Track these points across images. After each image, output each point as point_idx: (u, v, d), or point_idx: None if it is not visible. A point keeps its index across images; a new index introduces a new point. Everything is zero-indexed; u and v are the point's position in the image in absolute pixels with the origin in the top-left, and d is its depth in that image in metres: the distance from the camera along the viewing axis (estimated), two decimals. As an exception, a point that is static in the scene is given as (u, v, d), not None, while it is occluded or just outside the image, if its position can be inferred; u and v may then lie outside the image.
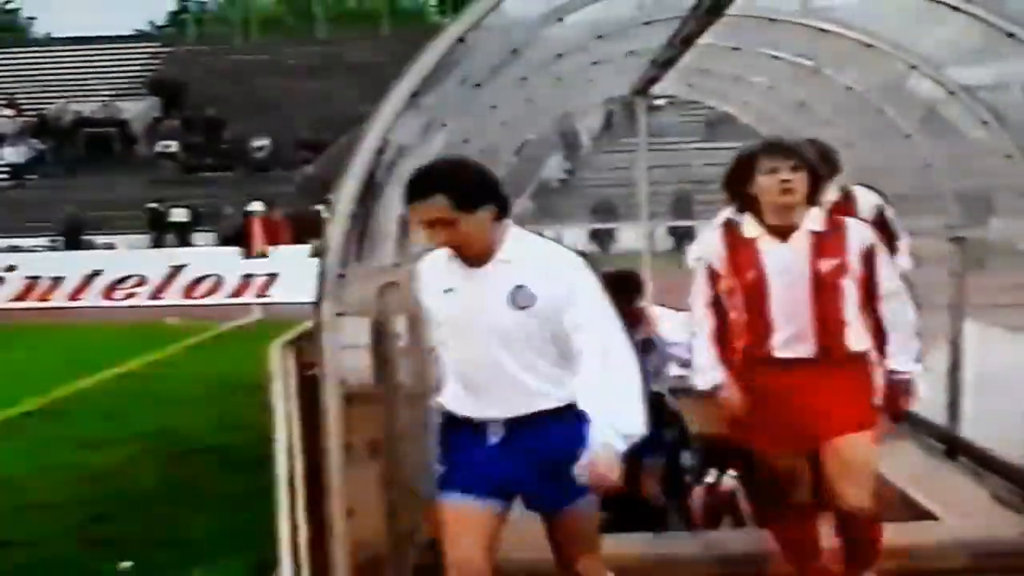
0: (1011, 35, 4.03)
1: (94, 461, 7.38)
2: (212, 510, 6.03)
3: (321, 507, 3.11)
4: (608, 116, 22.62)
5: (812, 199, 3.45)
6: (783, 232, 3.43)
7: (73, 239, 22.12)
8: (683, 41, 4.86)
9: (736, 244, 3.51)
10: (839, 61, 5.39)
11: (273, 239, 17.93)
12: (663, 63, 5.50)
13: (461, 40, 3.00)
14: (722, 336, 3.57)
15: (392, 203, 3.92)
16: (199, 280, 18.82)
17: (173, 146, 26.67)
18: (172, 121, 27.82)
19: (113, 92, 29.12)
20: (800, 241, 3.42)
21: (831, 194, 4.19)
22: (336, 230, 3.07)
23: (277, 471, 3.02)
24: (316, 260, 3.19)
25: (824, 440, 3.41)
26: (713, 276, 3.57)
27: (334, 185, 3.13)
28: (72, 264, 19.53)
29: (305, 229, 15.31)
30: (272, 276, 17.70)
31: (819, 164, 3.58)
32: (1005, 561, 4.05)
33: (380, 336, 3.85)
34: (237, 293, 18.21)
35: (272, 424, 3.03)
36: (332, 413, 3.10)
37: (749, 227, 3.50)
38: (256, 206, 19.55)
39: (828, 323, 3.39)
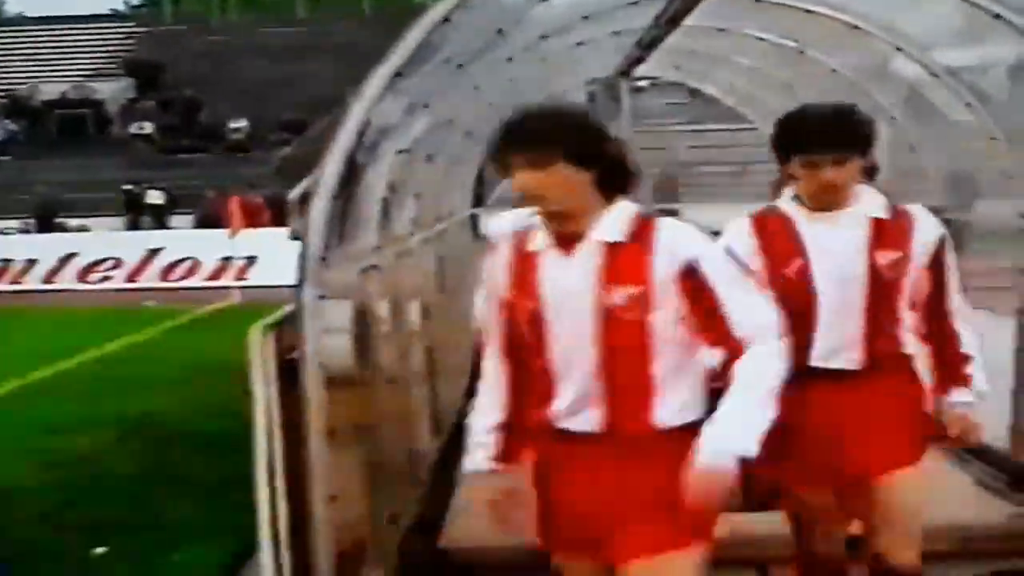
0: (997, 16, 4.04)
1: (69, 446, 7.34)
2: (191, 495, 6.00)
3: (302, 492, 3.11)
4: (590, 97, 22.60)
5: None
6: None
7: (46, 222, 21.93)
8: (668, 21, 4.86)
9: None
10: (825, 43, 5.40)
11: (252, 221, 17.83)
12: (648, 44, 5.50)
13: (446, 20, 2.98)
14: None
15: (374, 185, 3.92)
16: (176, 263, 18.71)
17: (148, 127, 26.46)
18: (148, 102, 27.60)
19: (87, 72, 28.86)
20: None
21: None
22: (317, 212, 3.05)
23: (257, 456, 3.01)
24: (296, 243, 3.17)
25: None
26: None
27: (314, 167, 3.11)
28: (46, 247, 19.37)
29: (284, 212, 15.20)
30: (251, 259, 17.60)
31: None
32: (988, 546, 4.09)
33: (362, 320, 3.84)
34: (215, 276, 18.11)
35: (252, 408, 3.02)
36: (313, 397, 3.10)
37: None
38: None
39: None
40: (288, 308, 3.22)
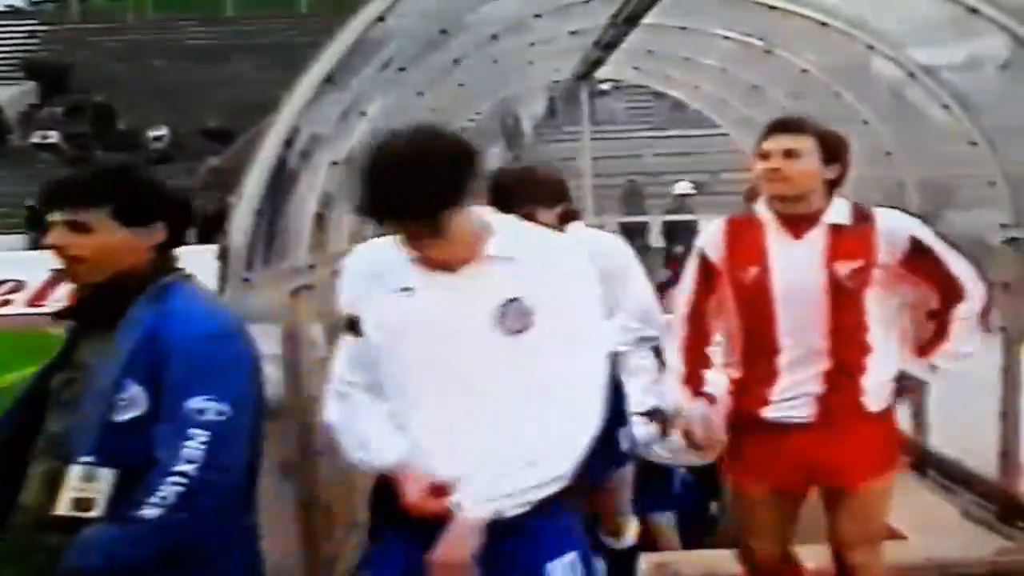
0: (974, 11, 4.18)
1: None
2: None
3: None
4: (551, 102, 22.74)
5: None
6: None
7: (-63, 241, 21.59)
8: (627, 20, 4.96)
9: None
10: (794, 41, 5.54)
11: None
12: (607, 44, 5.61)
13: (381, 19, 3.05)
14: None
15: (306, 199, 3.96)
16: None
17: (54, 136, 26.15)
18: (53, 108, 27.31)
19: (-19, 76, 28.51)
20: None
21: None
22: (239, 229, 3.08)
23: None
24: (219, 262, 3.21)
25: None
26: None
27: (242, 179, 3.15)
28: (-62, 269, 19.08)
29: (211, 227, 15.12)
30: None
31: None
32: (975, 583, 4.18)
33: (292, 345, 3.87)
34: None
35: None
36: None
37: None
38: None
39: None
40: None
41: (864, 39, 5.07)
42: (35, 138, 26.19)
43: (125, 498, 2.16)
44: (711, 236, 3.26)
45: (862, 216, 3.13)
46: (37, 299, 18.47)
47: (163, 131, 25.70)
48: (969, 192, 5.08)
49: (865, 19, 4.95)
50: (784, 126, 3.13)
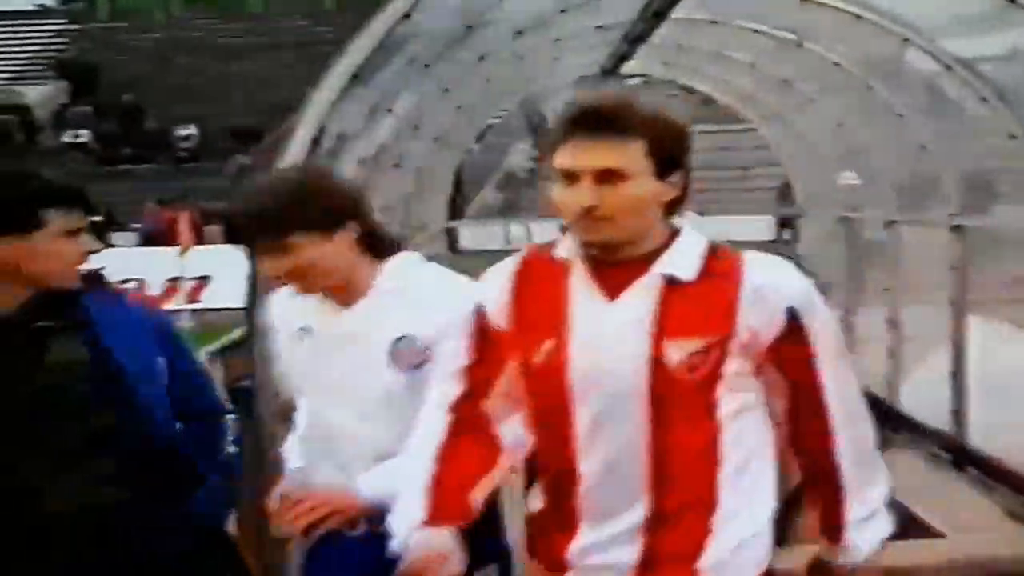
0: (1012, 1, 4.11)
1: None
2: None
3: (263, 538, 3.11)
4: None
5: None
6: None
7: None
8: (655, 14, 4.93)
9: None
10: (825, 34, 5.48)
11: (203, 238, 17.83)
12: (634, 39, 5.57)
13: (407, 16, 3.02)
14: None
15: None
16: (119, 284, 18.68)
17: (84, 135, 26.41)
18: (83, 107, 27.55)
19: (12, 75, 28.77)
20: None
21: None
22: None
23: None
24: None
25: None
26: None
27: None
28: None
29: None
30: (203, 279, 17.59)
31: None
32: (1016, 581, 4.12)
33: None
34: (163, 298, 18.09)
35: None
36: (267, 427, 3.12)
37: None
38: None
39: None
40: (238, 333, 3.25)
41: (898, 32, 5.00)
42: (66, 137, 26.45)
43: None
44: (494, 285, 2.05)
45: (718, 264, 1.94)
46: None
47: (191, 130, 25.88)
48: (1009, 187, 5.01)
49: (899, 11, 4.88)
50: (596, 121, 1.89)
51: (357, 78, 3.02)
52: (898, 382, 6.16)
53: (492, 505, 2.22)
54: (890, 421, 6.03)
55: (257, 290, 3.09)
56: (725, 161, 17.57)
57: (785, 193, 11.59)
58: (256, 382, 3.14)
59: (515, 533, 2.32)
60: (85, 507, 2.10)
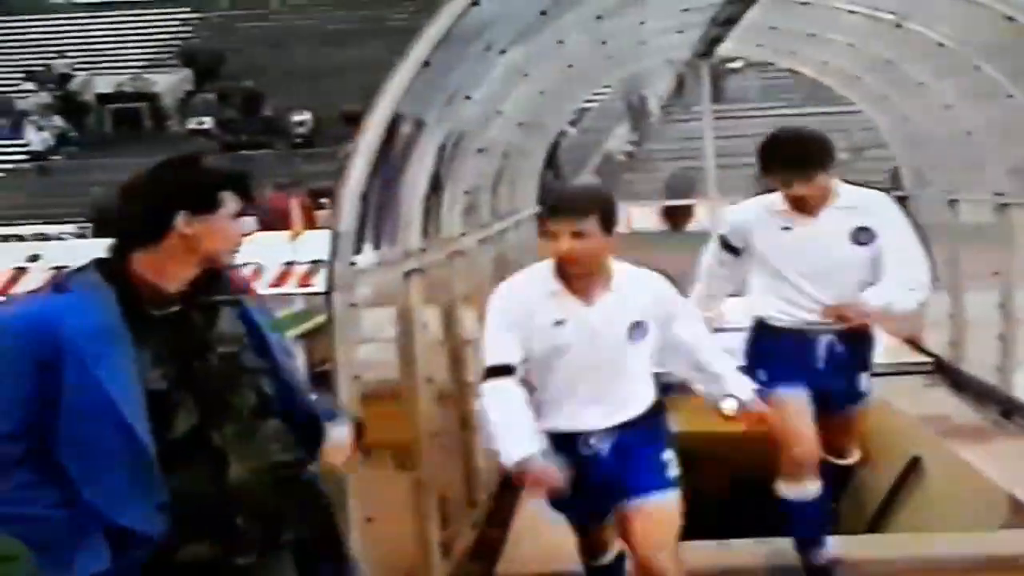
0: None
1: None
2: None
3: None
4: (680, 80, 22.40)
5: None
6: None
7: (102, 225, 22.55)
8: (744, -4, 4.85)
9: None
10: (926, 13, 5.31)
11: (314, 222, 18.13)
12: (725, 21, 5.49)
13: (475, 3, 3.05)
14: None
15: (416, 183, 4.00)
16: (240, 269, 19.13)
17: (208, 122, 27.13)
18: (206, 95, 28.30)
19: (142, 63, 29.67)
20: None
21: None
22: (346, 213, 3.13)
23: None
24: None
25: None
26: None
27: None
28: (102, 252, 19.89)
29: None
30: (316, 263, 17.89)
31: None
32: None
33: (406, 328, 3.92)
34: (278, 283, 18.44)
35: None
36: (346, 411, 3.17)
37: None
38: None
39: None
40: (321, 318, 3.31)
41: (1003, 10, 4.81)
42: (191, 124, 27.24)
43: None
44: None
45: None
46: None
47: (306, 116, 26.37)
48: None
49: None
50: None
51: (428, 64, 3.06)
52: (1009, 367, 6.00)
53: None
54: (1000, 406, 5.88)
55: (333, 275, 3.16)
56: (837, 143, 17.04)
57: (898, 176, 11.29)
58: (335, 366, 3.20)
59: None
60: (262, 468, 2.29)
